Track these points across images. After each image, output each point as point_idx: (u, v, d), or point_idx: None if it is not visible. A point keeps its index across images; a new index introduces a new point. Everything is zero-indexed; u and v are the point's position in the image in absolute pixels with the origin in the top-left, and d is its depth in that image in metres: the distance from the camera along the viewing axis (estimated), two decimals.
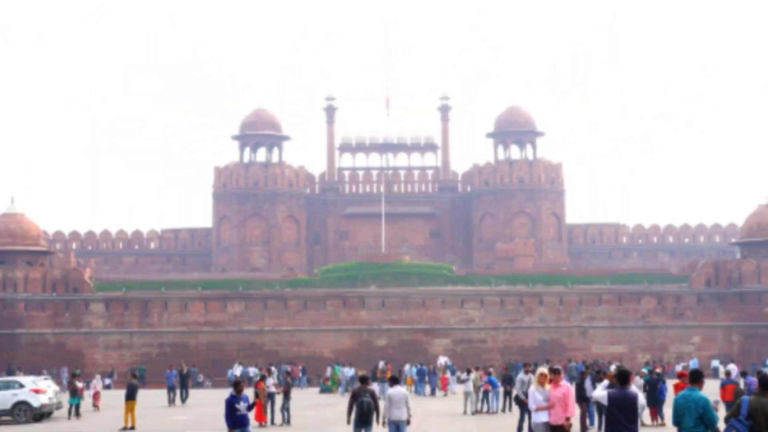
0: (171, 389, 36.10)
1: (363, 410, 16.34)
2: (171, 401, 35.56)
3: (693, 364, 47.58)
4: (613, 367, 25.31)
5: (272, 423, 26.13)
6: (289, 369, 46.99)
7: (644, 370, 27.89)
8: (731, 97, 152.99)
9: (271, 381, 29.39)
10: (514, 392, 24.44)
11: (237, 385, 16.87)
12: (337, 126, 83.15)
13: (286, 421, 26.23)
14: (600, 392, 15.74)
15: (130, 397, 25.99)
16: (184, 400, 36.08)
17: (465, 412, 28.88)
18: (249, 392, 22.08)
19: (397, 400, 16.64)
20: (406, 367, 45.14)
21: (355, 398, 16.79)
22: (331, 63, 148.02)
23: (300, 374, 50.09)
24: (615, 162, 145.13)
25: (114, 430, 25.38)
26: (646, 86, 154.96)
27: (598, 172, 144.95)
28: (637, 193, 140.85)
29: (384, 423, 16.92)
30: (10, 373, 47.06)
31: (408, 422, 16.86)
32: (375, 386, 34.25)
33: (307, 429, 24.75)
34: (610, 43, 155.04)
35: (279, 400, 27.56)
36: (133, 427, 25.40)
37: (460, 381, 36.09)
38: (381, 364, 46.31)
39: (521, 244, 71.94)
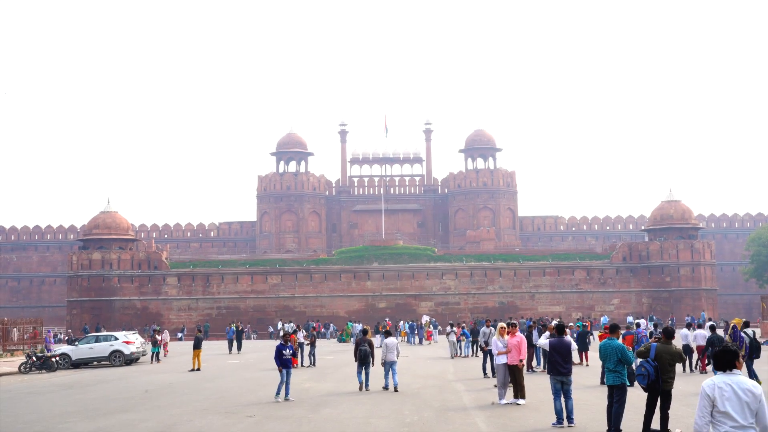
0: (230, 341, 36.19)
1: (362, 355, 17.37)
2: (230, 350, 35.68)
3: (604, 320, 47.62)
4: (554, 322, 25.21)
5: (302, 365, 26.14)
6: (314, 325, 47.13)
7: (576, 324, 27.86)
8: (644, 115, 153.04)
9: (301, 334, 29.42)
10: (479, 341, 24.54)
11: (285, 336, 17.10)
12: (348, 144, 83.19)
13: (313, 363, 26.36)
14: (543, 340, 15.80)
15: (197, 346, 26.01)
16: (239, 349, 36.10)
17: (451, 356, 29.02)
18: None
19: (390, 347, 17.33)
20: (401, 323, 45.22)
21: (357, 347, 17.74)
22: (344, 97, 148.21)
23: (323, 329, 50.18)
24: (556, 169, 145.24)
25: (185, 370, 25.47)
26: (578, 111, 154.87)
27: (543, 177, 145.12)
28: (572, 192, 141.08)
29: (382, 363, 17.60)
30: (98, 330, 47.20)
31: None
32: (377, 337, 34.29)
33: (328, 369, 24.76)
34: (557, 76, 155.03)
35: (307, 348, 27.63)
36: (198, 369, 25.39)
37: (446, 333, 36.15)
38: (385, 321, 46.47)
39: (485, 231, 72.02)
